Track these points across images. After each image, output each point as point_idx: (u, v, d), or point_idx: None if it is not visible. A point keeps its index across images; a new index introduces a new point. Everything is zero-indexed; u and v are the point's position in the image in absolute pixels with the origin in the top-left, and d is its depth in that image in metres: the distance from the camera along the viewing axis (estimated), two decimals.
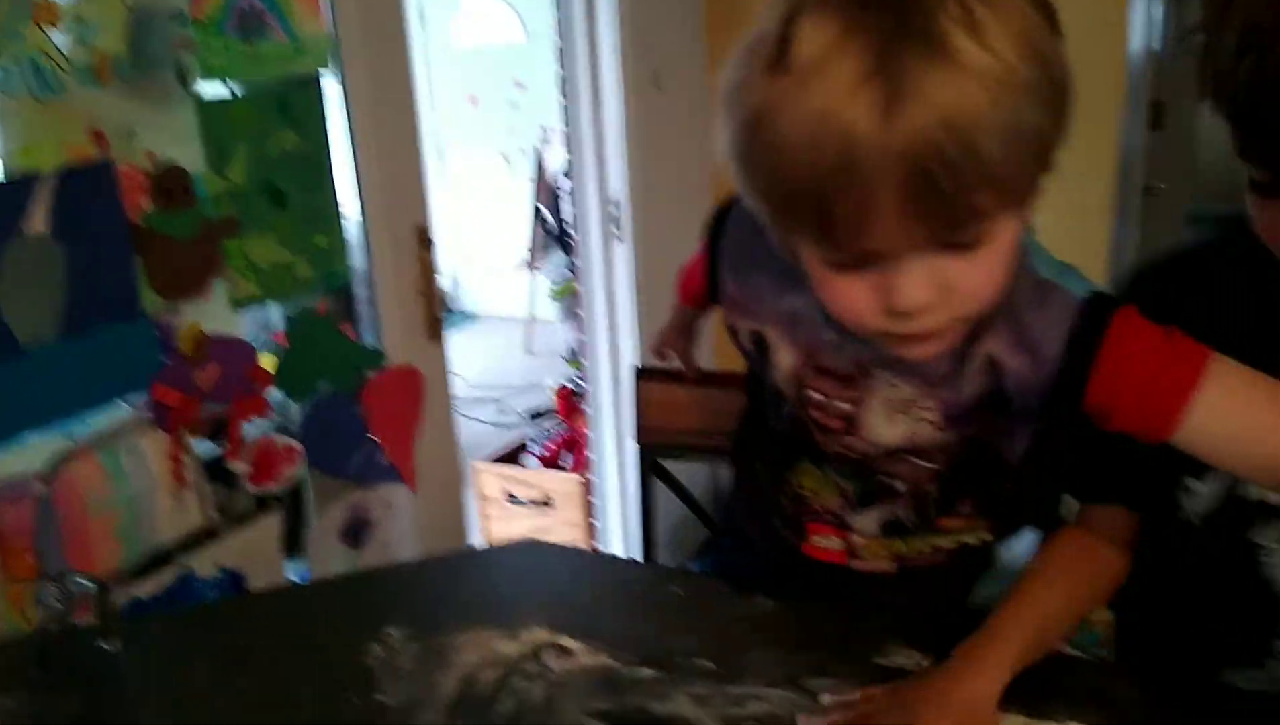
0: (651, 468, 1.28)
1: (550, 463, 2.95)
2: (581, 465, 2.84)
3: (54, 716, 0.80)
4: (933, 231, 0.61)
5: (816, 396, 0.84)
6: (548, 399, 4.37)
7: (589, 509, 2.74)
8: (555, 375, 4.49)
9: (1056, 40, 0.62)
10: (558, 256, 4.70)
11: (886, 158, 0.57)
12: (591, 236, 2.40)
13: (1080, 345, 0.71)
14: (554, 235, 4.15)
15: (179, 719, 0.82)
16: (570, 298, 4.15)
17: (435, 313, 1.80)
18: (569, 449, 2.98)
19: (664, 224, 2.42)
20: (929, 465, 0.84)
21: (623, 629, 0.89)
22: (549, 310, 4.69)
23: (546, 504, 2.85)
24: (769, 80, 0.60)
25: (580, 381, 3.66)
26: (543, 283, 4.68)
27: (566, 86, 2.30)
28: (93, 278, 1.26)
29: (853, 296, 0.66)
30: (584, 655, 0.86)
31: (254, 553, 1.53)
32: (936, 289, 0.63)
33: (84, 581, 0.82)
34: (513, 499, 2.89)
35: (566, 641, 0.88)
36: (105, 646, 0.83)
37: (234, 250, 1.43)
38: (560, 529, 2.81)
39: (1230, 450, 0.70)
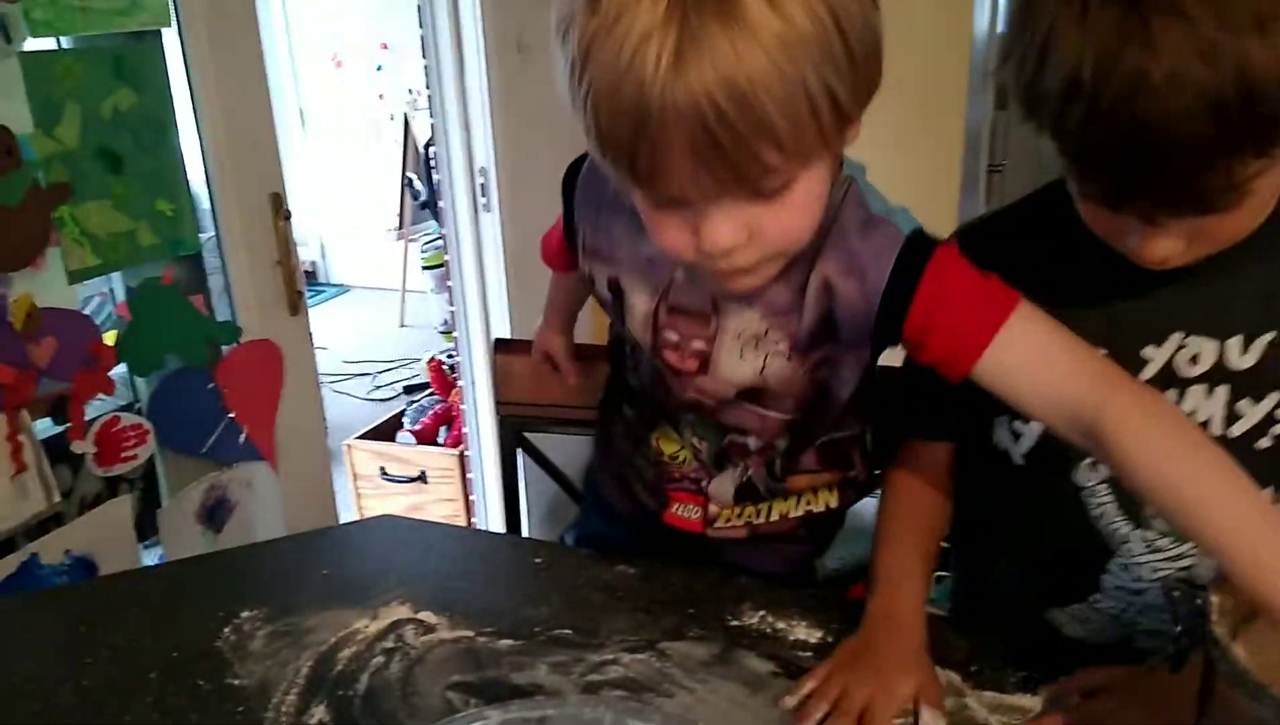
0: (516, 441, 1.27)
1: (425, 438, 2.90)
2: (457, 440, 2.80)
3: None
4: (722, 183, 0.63)
5: (672, 337, 0.84)
6: (423, 373, 4.29)
7: (465, 484, 2.70)
8: (430, 348, 4.41)
9: (865, 5, 0.63)
10: (429, 226, 4.60)
11: (670, 111, 0.58)
12: (459, 206, 2.35)
13: (903, 275, 0.73)
14: (425, 204, 4.05)
15: (19, 708, 0.77)
16: (443, 269, 4.08)
17: (295, 285, 1.73)
18: (444, 423, 2.94)
19: (533, 193, 2.39)
20: (776, 414, 0.87)
21: (483, 602, 0.89)
22: (422, 281, 4.59)
23: (421, 480, 2.80)
24: (585, 20, 0.61)
25: (455, 354, 3.60)
26: (415, 253, 4.57)
27: (427, 50, 2.24)
28: None
29: (670, 233, 0.68)
30: (444, 629, 0.85)
31: (105, 537, 1.45)
32: (742, 231, 0.66)
33: None
34: (387, 476, 2.83)
35: (426, 616, 0.87)
36: None
37: (67, 217, 1.34)
38: (436, 505, 2.77)
39: (1022, 390, 0.72)
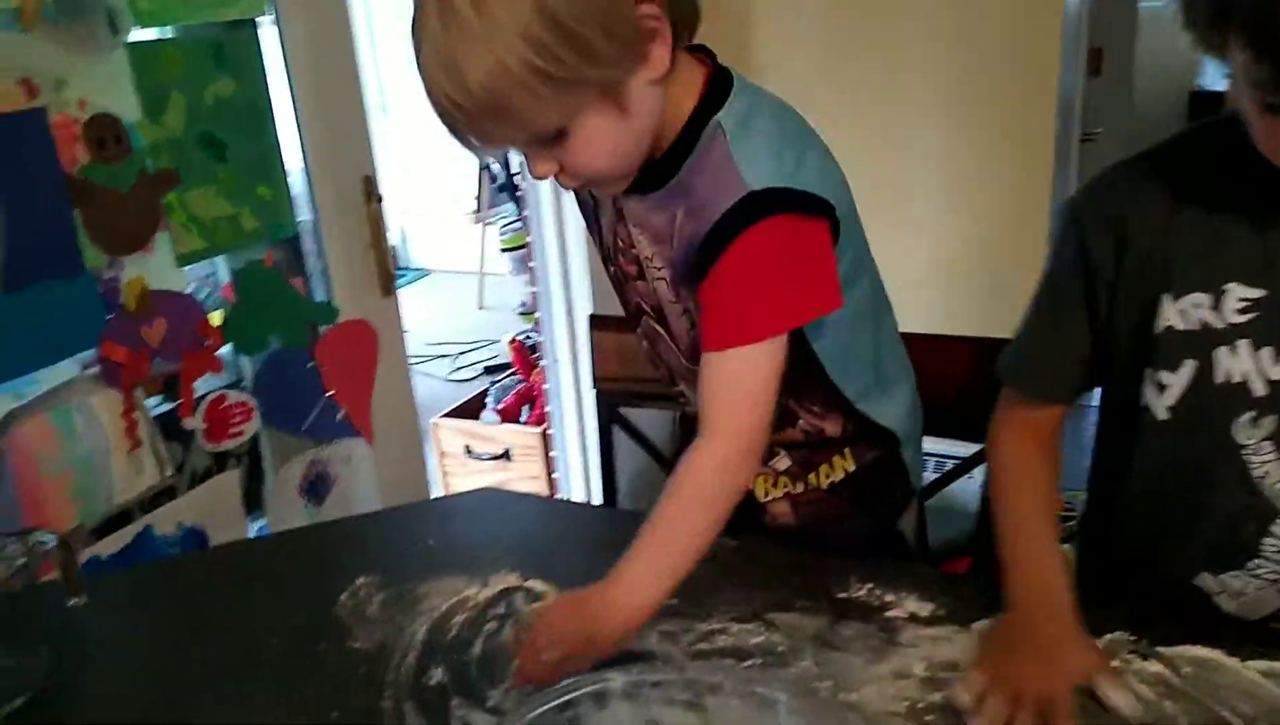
0: (611, 416, 1.28)
1: (509, 417, 2.94)
2: (540, 418, 2.83)
3: (21, 675, 0.79)
4: (509, 142, 0.77)
5: (620, 243, 0.91)
6: (503, 353, 4.35)
7: (549, 462, 2.74)
8: (508, 329, 4.46)
9: None
10: (506, 208, 4.65)
11: (442, 107, 0.73)
12: (542, 186, 2.37)
13: (722, 233, 0.78)
14: (503, 187, 4.09)
15: (148, 674, 0.81)
16: (522, 251, 4.12)
17: (386, 267, 1.77)
18: (527, 402, 2.98)
19: None
20: (678, 360, 0.94)
21: (589, 571, 0.90)
22: (500, 264, 4.64)
23: (506, 458, 2.84)
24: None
25: (535, 334, 3.64)
26: (493, 236, 4.63)
27: None
28: (31, 233, 1.22)
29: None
30: (553, 597, 0.87)
31: (214, 510, 1.51)
32: (553, 164, 0.77)
33: (46, 538, 0.81)
34: (472, 454, 2.89)
35: (535, 584, 0.89)
36: (70, 602, 0.82)
37: (175, 203, 1.39)
38: (520, 482, 2.81)
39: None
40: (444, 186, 5.04)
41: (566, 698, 0.63)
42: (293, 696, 0.77)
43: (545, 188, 2.35)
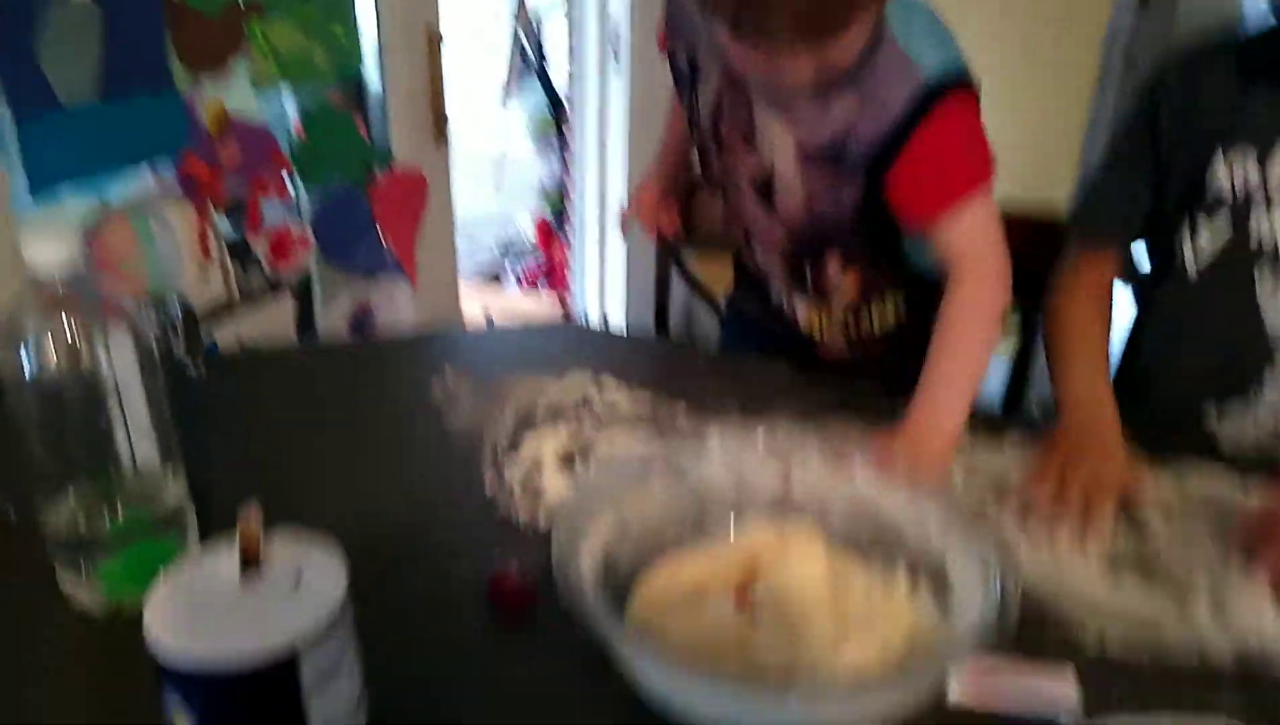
0: (672, 260, 1.36)
1: (528, 287, 3.03)
2: (560, 292, 2.92)
3: None
4: (808, 36, 0.77)
5: (728, 112, 0.97)
6: (518, 233, 4.40)
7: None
8: (526, 210, 4.50)
9: None
10: (534, 90, 4.62)
11: None
12: (589, 66, 2.40)
13: (907, 123, 0.85)
14: (532, 68, 4.07)
15: (269, 450, 0.90)
16: (547, 134, 4.13)
17: (442, 113, 1.82)
18: (546, 278, 3.06)
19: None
20: (778, 226, 1.01)
21: (658, 379, 0.99)
22: (522, 146, 4.64)
23: None
24: None
25: (557, 217, 3.69)
26: (516, 117, 4.61)
27: None
28: (127, 45, 1.28)
29: (753, 61, 0.82)
30: (624, 395, 0.96)
31: (270, 333, 1.60)
32: (814, 65, 0.80)
33: (175, 307, 0.88)
34: (490, 323, 2.97)
35: (607, 381, 0.98)
36: (191, 371, 0.91)
37: (256, 31, 1.44)
38: None
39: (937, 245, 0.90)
40: (470, 65, 5.00)
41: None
42: (399, 473, 0.85)
43: (591, 66, 2.39)
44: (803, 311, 1.10)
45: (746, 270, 1.15)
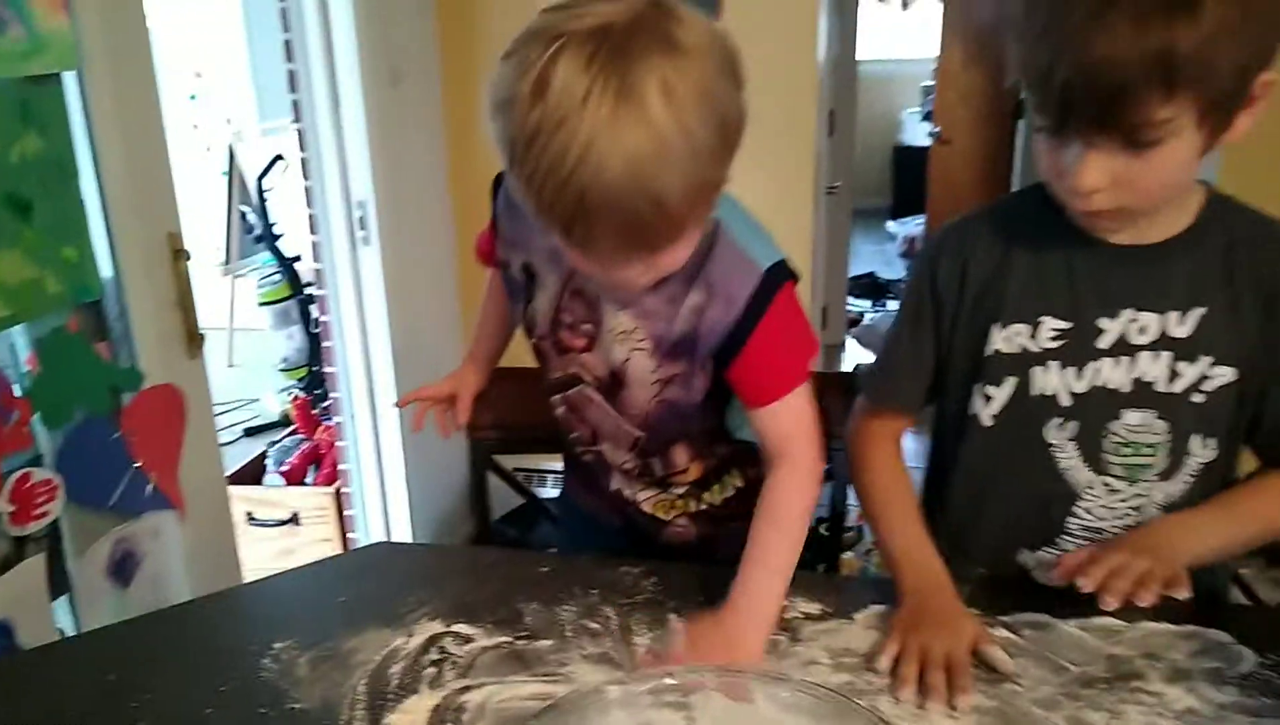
0: (487, 464, 1.32)
1: (294, 479, 2.83)
2: (329, 478, 2.75)
3: None
4: (631, 254, 0.82)
5: (567, 318, 1.02)
6: (264, 413, 4.14)
7: (343, 522, 2.67)
8: (266, 388, 4.25)
9: (736, 95, 0.80)
10: (258, 260, 4.44)
11: (606, 209, 0.75)
12: (336, 239, 2.34)
13: (755, 305, 0.93)
14: (259, 236, 3.92)
15: None
16: (283, 303, 3.96)
17: (193, 326, 1.70)
18: (313, 462, 2.88)
19: (413, 224, 2.42)
20: (628, 427, 1.05)
21: (508, 609, 0.95)
22: (253, 319, 4.42)
23: (293, 522, 2.73)
24: (528, 107, 0.74)
25: (298, 390, 3.51)
26: (245, 289, 4.40)
27: (299, 83, 2.23)
28: None
29: (589, 268, 0.87)
30: (482, 638, 0.92)
31: (20, 599, 1.38)
32: (645, 270, 0.86)
33: None
34: (254, 521, 2.75)
35: (461, 628, 0.93)
36: None
37: None
38: (311, 546, 2.71)
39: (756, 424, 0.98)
40: (188, 236, 4.74)
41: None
42: None
43: (341, 238, 2.33)
44: (646, 498, 1.11)
45: (579, 463, 1.15)
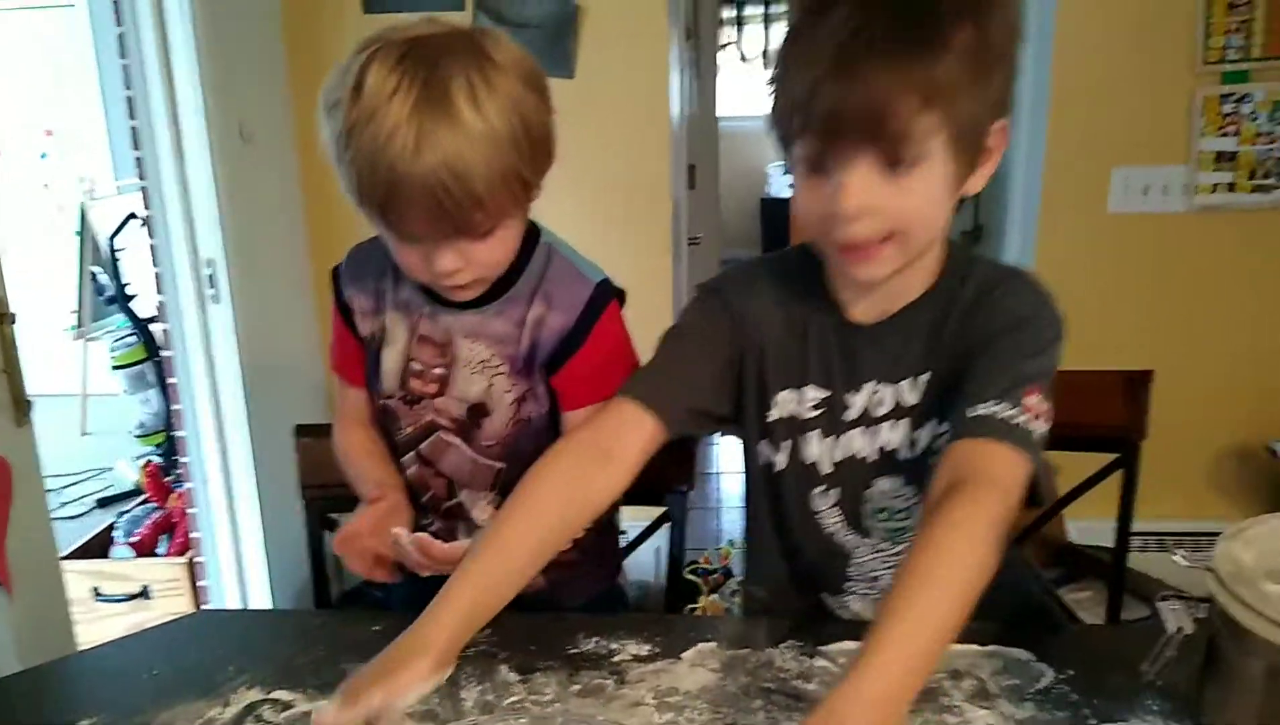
0: (323, 523, 1.29)
1: (144, 550, 2.70)
2: (183, 548, 2.63)
3: None
4: (445, 231, 0.91)
5: (417, 366, 1.07)
6: (119, 482, 3.93)
7: (197, 593, 2.55)
8: (120, 455, 4.05)
9: (542, 107, 0.94)
10: (111, 322, 4.25)
11: (411, 186, 0.86)
12: (183, 298, 2.27)
13: (588, 314, 1.02)
14: (112, 299, 3.76)
15: None
16: (137, 367, 3.79)
17: (19, 392, 1.62)
18: (164, 532, 2.75)
19: (264, 282, 2.37)
20: (486, 460, 1.09)
21: (334, 672, 0.93)
22: (108, 384, 4.21)
23: (144, 596, 2.60)
24: (349, 107, 0.87)
25: (161, 457, 3.36)
26: (99, 352, 4.20)
27: (142, 141, 2.18)
28: None
29: (412, 261, 0.96)
30: (303, 704, 0.89)
31: None
32: (460, 259, 0.94)
33: None
34: (101, 596, 2.60)
35: (281, 695, 0.90)
36: None
37: None
38: (163, 620, 2.58)
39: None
40: (36, 300, 4.51)
41: None
42: None
43: (189, 299, 2.26)
44: None
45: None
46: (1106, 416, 1.29)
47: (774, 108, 0.89)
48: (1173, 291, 2.65)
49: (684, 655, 0.95)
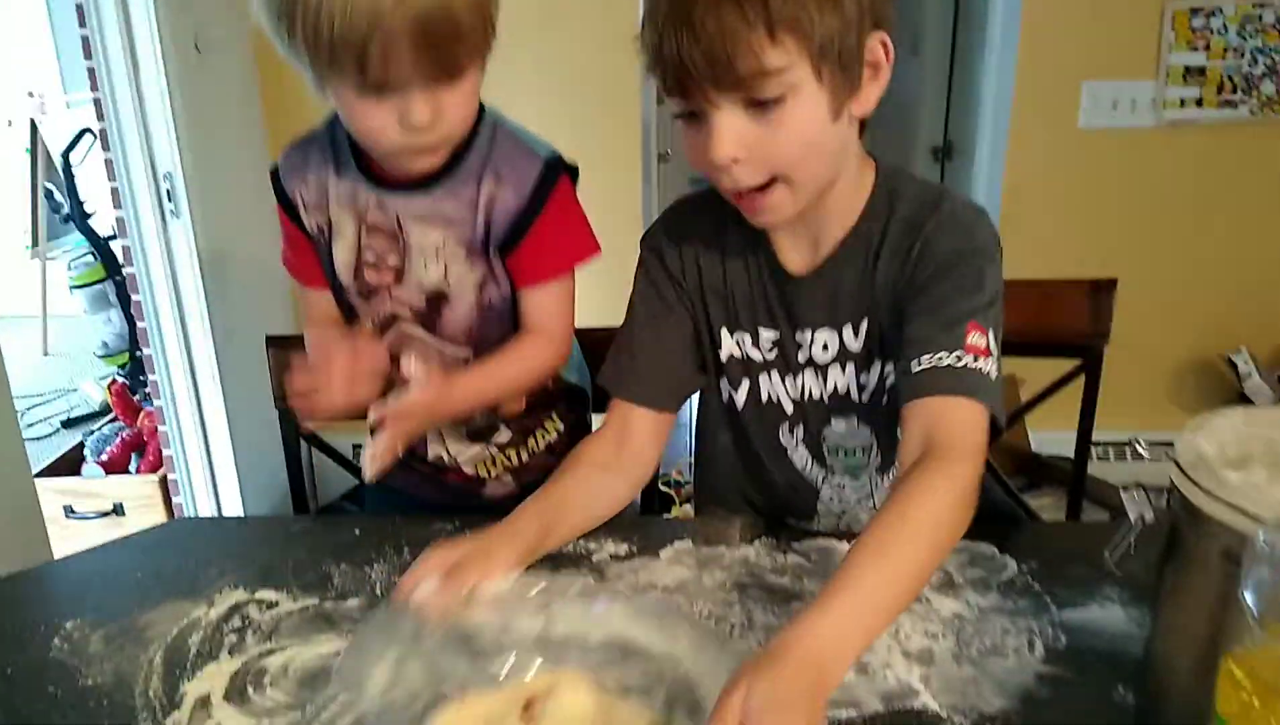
0: (299, 433, 1.29)
1: (116, 468, 2.69)
2: (154, 465, 2.63)
3: None
4: (430, 71, 0.87)
5: (371, 257, 1.05)
6: (84, 402, 3.90)
7: (171, 509, 2.56)
8: (84, 375, 4.01)
9: None
10: (68, 241, 4.16)
11: (400, 19, 0.82)
12: (143, 215, 2.22)
13: (539, 191, 1.00)
14: (69, 216, 3.67)
15: None
16: (97, 286, 3.72)
17: None
18: (135, 450, 2.74)
19: (224, 195, 2.32)
20: (451, 348, 1.08)
21: (316, 572, 0.95)
22: (68, 304, 4.15)
23: (117, 513, 2.60)
24: None
25: (126, 377, 3.33)
26: (57, 272, 4.12)
27: (94, 51, 2.10)
28: None
29: (379, 118, 0.90)
30: (287, 603, 0.90)
31: None
32: (433, 110, 0.90)
33: None
34: (74, 514, 2.60)
35: (265, 594, 0.91)
36: None
37: None
38: None
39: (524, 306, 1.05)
40: None
41: None
42: None
43: (148, 213, 2.21)
44: (468, 458, 1.11)
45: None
46: (1071, 322, 1.31)
47: (644, 66, 0.84)
48: (1138, 206, 2.67)
49: (661, 553, 0.98)
